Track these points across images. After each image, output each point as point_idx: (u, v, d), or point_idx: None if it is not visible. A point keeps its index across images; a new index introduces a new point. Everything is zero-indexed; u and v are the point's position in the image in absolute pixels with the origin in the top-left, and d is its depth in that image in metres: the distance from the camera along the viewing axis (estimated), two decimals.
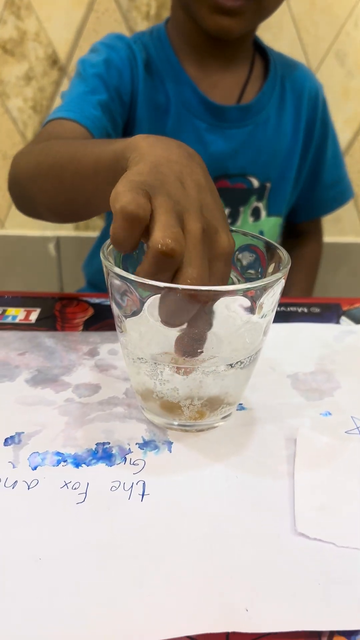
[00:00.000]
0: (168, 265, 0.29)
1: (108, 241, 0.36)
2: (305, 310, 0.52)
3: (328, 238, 1.01)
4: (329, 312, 0.52)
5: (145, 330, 0.35)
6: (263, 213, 0.75)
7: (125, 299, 0.33)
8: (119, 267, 0.35)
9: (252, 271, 0.38)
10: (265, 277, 0.37)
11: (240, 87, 0.71)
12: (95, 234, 1.03)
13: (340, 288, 1.08)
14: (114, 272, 0.32)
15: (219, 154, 0.69)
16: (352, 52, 0.91)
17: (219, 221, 0.32)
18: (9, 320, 0.49)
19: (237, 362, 0.34)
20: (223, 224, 0.32)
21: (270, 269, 0.36)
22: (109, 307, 0.51)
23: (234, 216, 0.72)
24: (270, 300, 0.33)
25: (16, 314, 0.50)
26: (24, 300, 0.52)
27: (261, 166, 0.72)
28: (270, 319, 0.35)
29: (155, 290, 0.30)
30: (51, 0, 0.87)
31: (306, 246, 0.89)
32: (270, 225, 0.76)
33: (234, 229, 0.39)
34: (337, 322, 0.50)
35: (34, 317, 0.49)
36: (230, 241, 0.31)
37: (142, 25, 0.89)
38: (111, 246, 0.36)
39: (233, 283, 0.40)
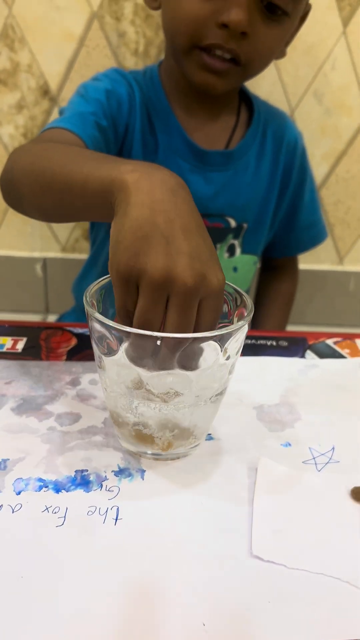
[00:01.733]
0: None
1: (91, 285, 0.40)
2: (274, 343, 0.56)
3: (305, 266, 1.06)
4: (295, 346, 0.56)
5: (122, 369, 0.38)
6: (238, 250, 0.78)
7: (104, 341, 0.37)
8: (99, 308, 0.39)
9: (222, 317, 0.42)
10: (232, 322, 0.41)
11: (224, 133, 0.75)
12: (81, 256, 1.06)
13: (316, 314, 1.13)
14: (95, 317, 0.36)
15: (200, 194, 0.72)
16: (329, 92, 0.96)
17: (207, 263, 0.35)
18: None
19: (205, 399, 0.38)
20: (211, 264, 0.35)
21: (236, 314, 0.40)
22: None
23: None
24: (235, 345, 0.37)
25: (3, 342, 0.53)
26: (11, 329, 0.55)
27: (239, 209, 0.76)
28: (234, 360, 0.38)
29: (129, 336, 0.34)
30: (44, 34, 0.91)
31: (282, 282, 0.93)
32: (243, 262, 0.80)
33: None
34: (303, 355, 0.54)
35: (20, 346, 0.53)
36: (218, 279, 0.35)
37: (131, 61, 0.93)
38: (93, 290, 0.40)
39: None
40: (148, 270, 0.33)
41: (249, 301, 0.39)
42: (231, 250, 0.78)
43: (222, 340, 0.35)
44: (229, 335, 0.36)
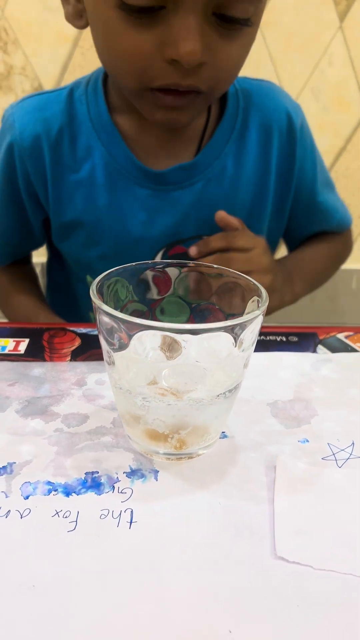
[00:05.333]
0: None
1: (97, 279, 0.38)
2: (284, 339, 0.54)
3: None
4: (306, 341, 0.54)
5: (133, 364, 0.36)
6: None
7: (113, 334, 0.35)
8: (107, 303, 0.37)
9: (234, 309, 0.41)
10: (245, 313, 0.39)
11: (191, 140, 0.63)
12: None
13: (318, 313, 1.12)
14: (103, 309, 0.34)
15: (167, 220, 0.64)
16: (326, 88, 0.96)
17: None
18: None
19: (219, 394, 0.36)
20: None
21: (250, 304, 0.39)
22: (95, 337, 0.53)
23: None
24: (250, 335, 0.35)
25: (5, 344, 0.51)
26: (13, 330, 0.54)
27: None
28: (250, 352, 0.37)
29: (141, 328, 0.33)
30: (37, 36, 0.90)
31: (327, 240, 0.76)
32: None
33: (215, 266, 0.42)
34: (314, 350, 0.53)
35: (22, 347, 0.51)
36: None
37: None
38: (99, 282, 0.38)
39: (216, 316, 0.42)
40: None
41: (263, 291, 0.37)
42: None
43: (236, 331, 0.34)
44: (244, 326, 0.34)
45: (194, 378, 0.36)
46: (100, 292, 0.38)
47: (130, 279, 0.41)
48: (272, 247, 0.75)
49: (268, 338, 0.54)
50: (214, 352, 0.35)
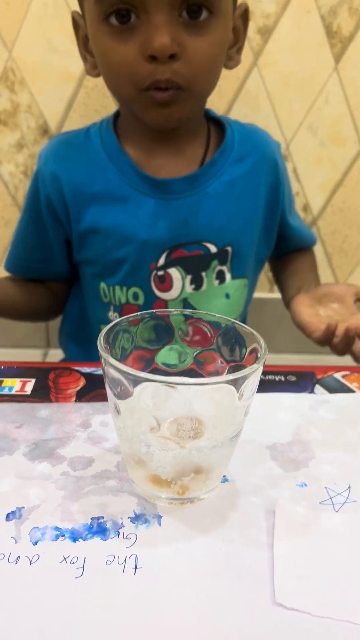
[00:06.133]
0: None
1: (104, 330, 0.40)
2: (282, 378, 0.56)
3: None
4: (304, 381, 0.56)
5: (137, 412, 0.38)
6: (228, 276, 0.76)
7: (119, 385, 0.37)
8: (113, 353, 0.39)
9: (234, 356, 0.42)
10: (244, 363, 0.41)
11: (192, 165, 0.73)
12: None
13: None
14: (109, 362, 0.36)
15: (169, 225, 0.72)
16: (323, 125, 0.98)
17: None
18: (6, 391, 0.52)
19: (221, 442, 0.38)
20: None
21: (249, 355, 0.40)
22: (99, 377, 0.55)
23: (197, 282, 0.74)
24: (251, 387, 0.37)
25: (12, 385, 0.53)
26: (19, 370, 0.55)
27: (215, 232, 0.73)
28: (251, 401, 0.38)
29: (145, 381, 0.34)
30: (43, 76, 0.93)
31: (299, 253, 0.89)
32: (235, 287, 0.78)
33: (217, 315, 0.43)
34: (312, 390, 0.54)
35: (29, 387, 0.53)
36: None
37: None
38: (104, 334, 0.40)
39: (216, 364, 0.44)
40: None
41: (262, 342, 0.39)
42: (221, 277, 0.76)
43: (237, 383, 0.35)
44: (244, 379, 0.36)
45: (197, 427, 0.37)
46: (107, 342, 0.39)
47: (134, 328, 0.43)
48: (260, 265, 0.85)
49: (267, 377, 0.56)
50: (216, 403, 0.37)
